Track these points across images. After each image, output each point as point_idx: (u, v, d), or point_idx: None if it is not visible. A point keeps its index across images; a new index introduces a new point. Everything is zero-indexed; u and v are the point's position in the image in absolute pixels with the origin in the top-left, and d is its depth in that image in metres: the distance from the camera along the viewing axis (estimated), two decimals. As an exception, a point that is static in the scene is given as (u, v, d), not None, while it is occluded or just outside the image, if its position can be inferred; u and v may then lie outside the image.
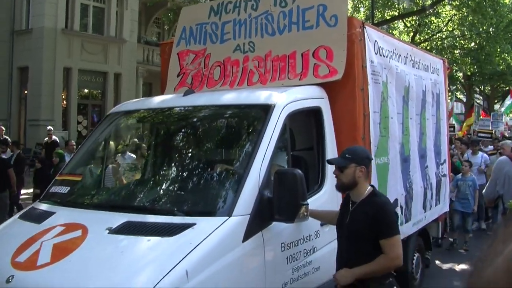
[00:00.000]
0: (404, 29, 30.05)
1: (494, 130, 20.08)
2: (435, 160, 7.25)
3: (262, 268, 3.76)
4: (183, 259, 3.27)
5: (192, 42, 6.01)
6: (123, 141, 5.31)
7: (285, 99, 4.39)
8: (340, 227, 3.92)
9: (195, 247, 3.35)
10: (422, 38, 29.12)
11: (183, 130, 5.10)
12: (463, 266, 8.55)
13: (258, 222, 3.76)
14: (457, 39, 28.66)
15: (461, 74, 33.28)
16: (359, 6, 26.93)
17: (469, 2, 22.50)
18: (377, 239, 3.59)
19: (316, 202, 4.59)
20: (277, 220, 3.82)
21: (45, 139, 16.45)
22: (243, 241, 3.62)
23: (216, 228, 3.53)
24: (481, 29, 24.79)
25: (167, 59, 6.20)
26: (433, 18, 27.22)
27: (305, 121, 4.99)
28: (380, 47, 5.56)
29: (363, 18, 25.93)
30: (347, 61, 4.93)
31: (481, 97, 42.84)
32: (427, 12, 24.04)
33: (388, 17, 25.83)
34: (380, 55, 5.56)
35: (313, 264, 4.41)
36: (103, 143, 5.03)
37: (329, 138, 4.83)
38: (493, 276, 0.94)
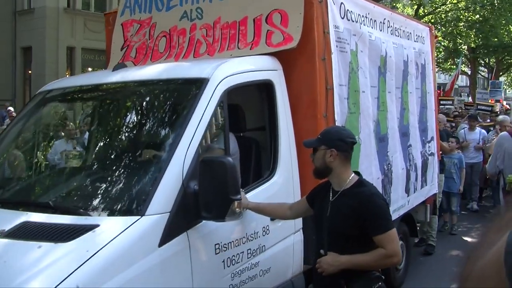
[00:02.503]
0: (408, 2, 29.21)
1: (495, 104, 19.14)
2: (421, 138, 6.53)
3: (187, 277, 3.10)
4: (74, 271, 2.62)
5: (137, 10, 5.29)
6: (45, 125, 4.59)
7: (222, 72, 3.68)
8: (319, 220, 3.34)
9: (92, 256, 2.70)
10: (426, 11, 28.66)
11: (104, 111, 4.40)
12: (458, 252, 7.93)
13: (181, 221, 3.10)
14: (461, 11, 28.15)
15: (465, 47, 32.45)
16: None
17: None
18: (365, 237, 3.09)
19: (266, 192, 3.95)
20: (204, 218, 3.16)
21: None
22: (160, 245, 2.96)
23: (123, 231, 2.86)
24: (485, 0, 24.50)
25: (111, 30, 5.49)
26: None
27: (255, 97, 4.30)
28: (348, 10, 4.82)
29: None
30: (305, 27, 4.21)
31: (485, 70, 41.80)
32: None
33: None
34: (348, 20, 4.81)
35: (261, 265, 3.76)
36: (22, 127, 4.33)
37: (282, 116, 4.13)
38: (483, 271, 0.91)
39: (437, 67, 37.36)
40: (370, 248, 3.10)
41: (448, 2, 28.49)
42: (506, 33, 28.29)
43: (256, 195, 3.80)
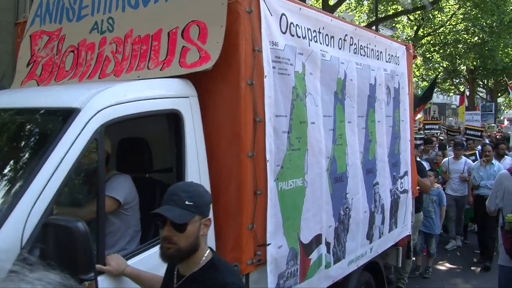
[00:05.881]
0: (407, 23, 29.22)
1: (486, 126, 18.10)
2: (391, 173, 5.62)
3: None
4: None
5: (47, 20, 4.46)
6: None
7: (101, 101, 2.82)
8: None
9: None
10: (425, 32, 28.71)
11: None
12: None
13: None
14: (461, 33, 28.03)
15: (464, 68, 31.96)
16: None
17: None
18: None
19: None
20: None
21: None
22: None
23: None
24: (484, 23, 24.65)
25: (20, 42, 4.64)
26: (436, 13, 26.72)
27: (163, 131, 3.42)
28: (293, 24, 3.95)
29: (366, 12, 24.94)
30: (227, 43, 3.35)
31: (484, 91, 41.11)
32: (431, 7, 23.08)
33: (391, 12, 25.06)
34: (293, 36, 3.95)
35: None
36: None
37: (192, 155, 3.26)
38: None
39: (435, 88, 37.01)
40: None
41: (447, 24, 28.27)
42: (504, 56, 28.11)
43: (155, 255, 2.90)
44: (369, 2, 26.16)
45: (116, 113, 2.86)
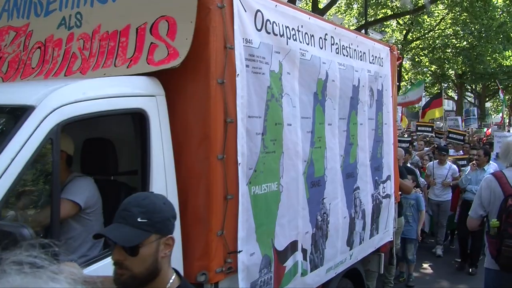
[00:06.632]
0: (397, 27, 29.41)
1: (469, 130, 17.94)
2: (373, 178, 5.48)
3: None
4: None
5: (15, 14, 4.26)
6: None
7: (58, 99, 2.65)
8: None
9: None
10: (414, 37, 28.87)
11: None
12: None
13: None
14: (450, 38, 28.24)
15: (452, 72, 32.12)
16: (353, 3, 25.55)
17: (462, 2, 22.28)
18: None
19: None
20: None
21: None
22: None
23: None
24: (473, 28, 24.73)
25: (-12, 38, 4.44)
26: (425, 17, 26.92)
27: (129, 131, 3.24)
28: (269, 20, 3.79)
29: (356, 15, 25.01)
30: (197, 39, 3.19)
31: (472, 95, 41.27)
32: (420, 11, 23.28)
33: (381, 15, 25.22)
34: (269, 33, 3.79)
35: None
36: None
37: (158, 157, 3.09)
38: None
39: (424, 92, 37.12)
40: None
41: (436, 29, 28.42)
42: (492, 61, 28.23)
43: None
44: (358, 5, 26.21)
45: (74, 111, 2.69)
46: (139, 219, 1.89)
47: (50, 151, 2.58)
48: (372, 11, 25.46)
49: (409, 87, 35.60)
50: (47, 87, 2.73)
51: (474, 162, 8.66)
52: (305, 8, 20.30)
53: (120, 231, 1.88)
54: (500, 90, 19.99)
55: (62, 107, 2.62)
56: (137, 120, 3.08)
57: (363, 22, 22.01)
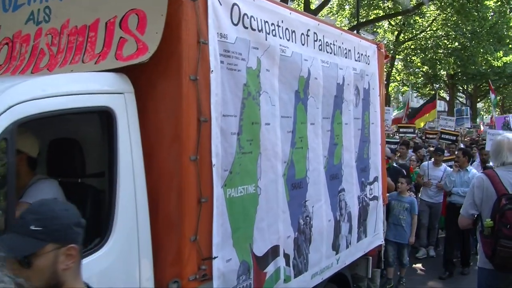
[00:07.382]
0: (388, 28, 29.43)
1: (461, 130, 17.80)
2: (359, 179, 5.31)
3: None
4: None
5: (-17, 10, 4.07)
6: None
7: (12, 97, 2.47)
8: None
9: None
10: (406, 37, 29.01)
11: None
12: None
13: None
14: (441, 38, 28.41)
15: (444, 73, 32.14)
16: (345, 3, 25.54)
17: (454, 3, 22.42)
18: None
19: (93, 267, 2.68)
20: None
21: None
22: None
23: None
24: (464, 29, 24.84)
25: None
26: (417, 18, 27.02)
27: (96, 131, 3.07)
28: (246, 15, 3.62)
29: (348, 16, 24.99)
30: (169, 33, 3.02)
31: (464, 96, 41.33)
32: (412, 12, 23.31)
33: (373, 16, 25.28)
34: (246, 28, 3.62)
35: None
36: None
37: (125, 158, 2.91)
38: None
39: (416, 92, 37.13)
40: None
41: (428, 29, 28.51)
42: (484, 62, 28.24)
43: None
44: (350, 6, 26.16)
45: (33, 109, 2.52)
46: (32, 227, 1.71)
47: (5, 152, 2.40)
48: (364, 12, 25.54)
49: (401, 88, 35.68)
50: (3, 84, 2.55)
51: (455, 163, 8.48)
52: (297, 8, 20.16)
53: (12, 240, 1.72)
54: (491, 91, 19.84)
55: (18, 104, 2.44)
56: (103, 119, 2.91)
57: (355, 23, 21.95)
